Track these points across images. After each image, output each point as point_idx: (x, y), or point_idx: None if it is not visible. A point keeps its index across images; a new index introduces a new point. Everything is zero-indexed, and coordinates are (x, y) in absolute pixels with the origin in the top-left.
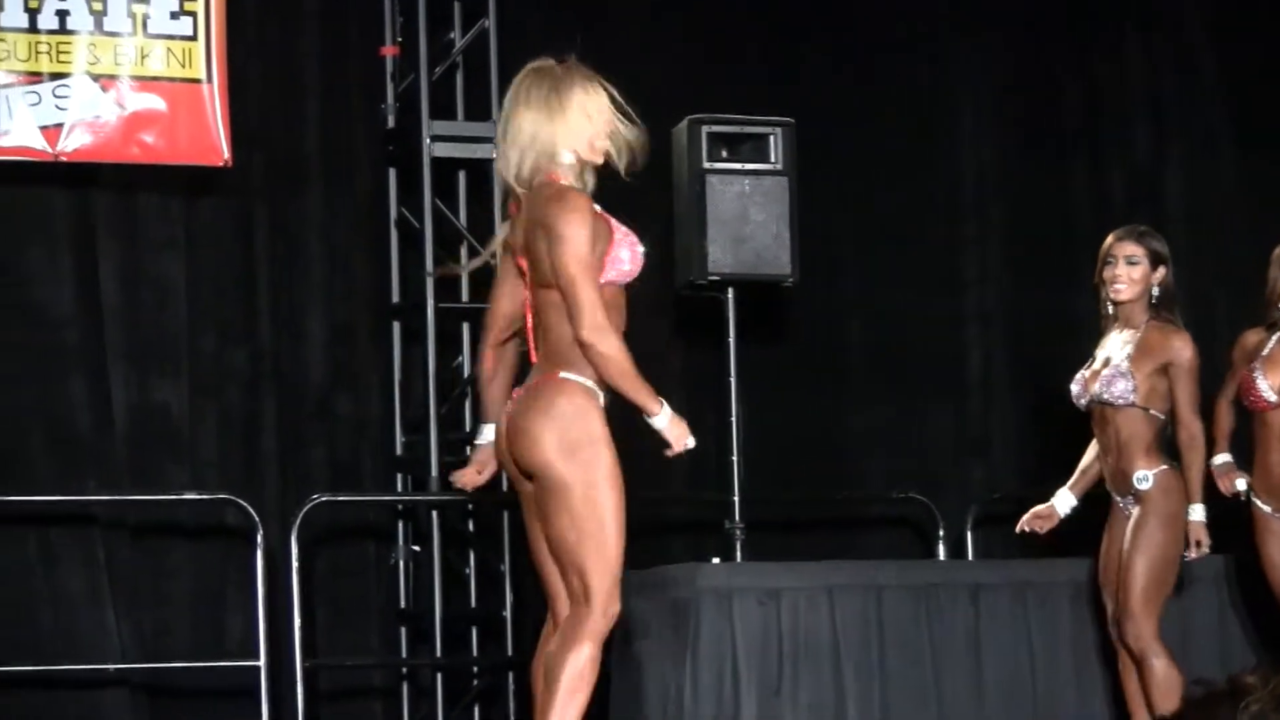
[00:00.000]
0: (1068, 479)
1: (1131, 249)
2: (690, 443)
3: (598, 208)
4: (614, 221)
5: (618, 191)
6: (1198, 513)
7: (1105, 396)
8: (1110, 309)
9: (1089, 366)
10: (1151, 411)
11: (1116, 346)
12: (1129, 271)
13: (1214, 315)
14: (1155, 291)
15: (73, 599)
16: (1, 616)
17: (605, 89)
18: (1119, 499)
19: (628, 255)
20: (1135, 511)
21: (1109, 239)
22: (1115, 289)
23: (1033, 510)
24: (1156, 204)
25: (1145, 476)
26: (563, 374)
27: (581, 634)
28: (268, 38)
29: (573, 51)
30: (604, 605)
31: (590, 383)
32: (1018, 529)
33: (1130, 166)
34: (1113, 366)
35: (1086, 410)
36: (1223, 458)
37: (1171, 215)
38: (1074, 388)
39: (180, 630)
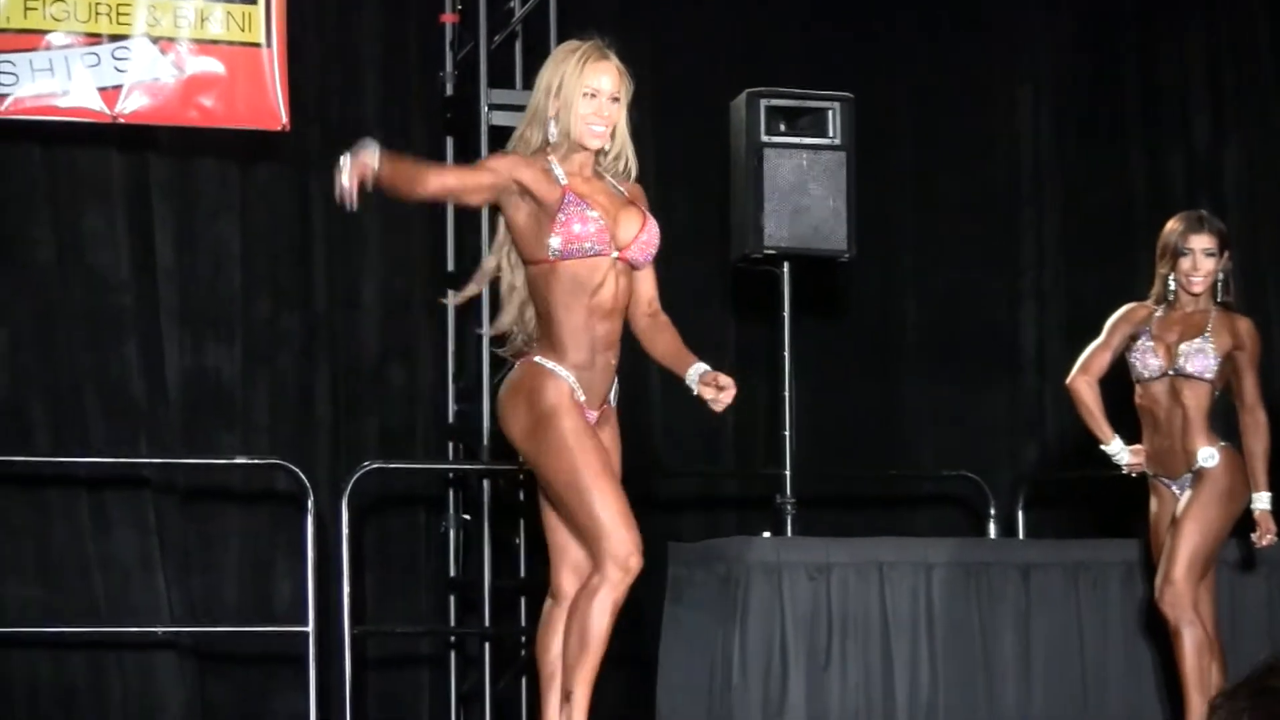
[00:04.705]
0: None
1: (1207, 241)
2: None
3: (562, 181)
4: (573, 197)
5: (676, 163)
6: (1264, 500)
7: (1189, 369)
8: (1173, 294)
9: (1145, 339)
10: (1216, 391)
11: (1186, 325)
12: (1206, 264)
13: (1267, 299)
14: (1220, 276)
15: (123, 562)
16: (53, 578)
17: (589, 68)
18: (1167, 481)
19: (578, 231)
20: (1189, 491)
21: (1177, 228)
22: (1193, 281)
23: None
24: (1214, 187)
25: (1211, 454)
26: (536, 358)
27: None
28: (327, 3)
29: (631, 22)
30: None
31: (554, 365)
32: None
33: (1189, 149)
34: (1193, 342)
35: (1144, 382)
36: None
37: (1229, 198)
38: (1149, 359)
39: (229, 595)
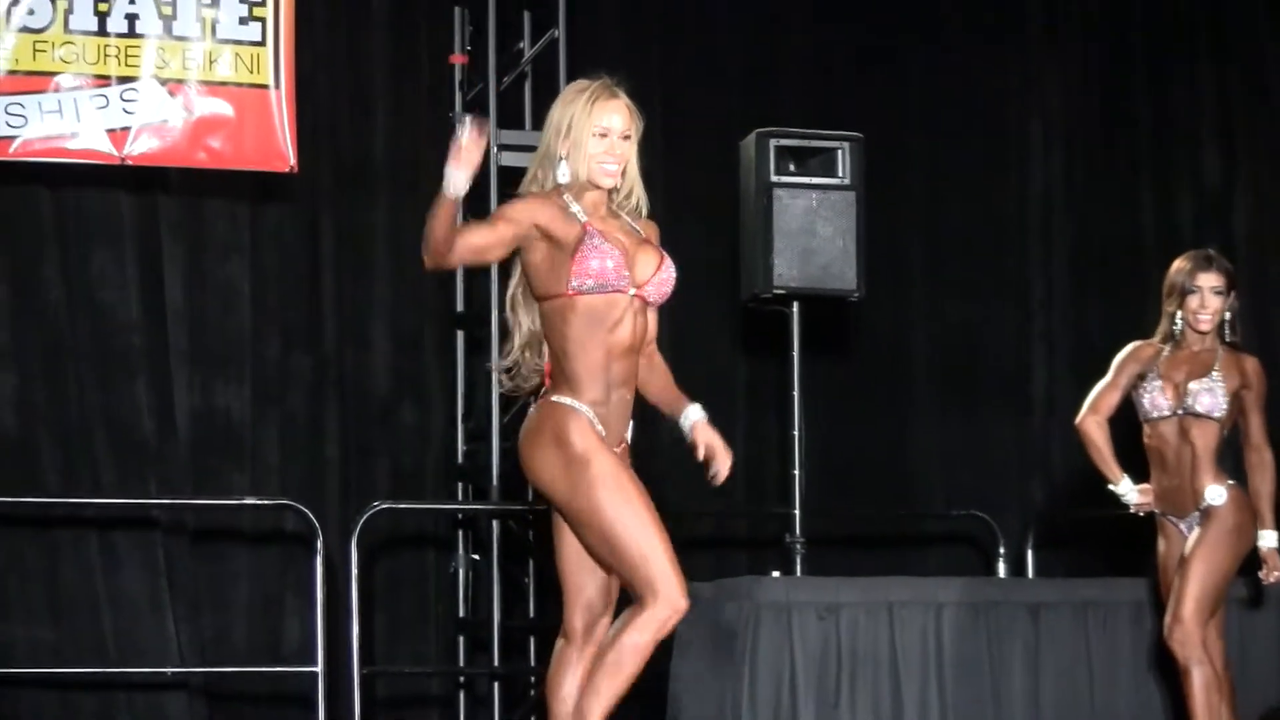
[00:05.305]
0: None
1: (1216, 279)
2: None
3: (581, 218)
4: (593, 233)
5: (685, 201)
6: (1270, 539)
7: (1198, 408)
8: (1180, 333)
9: (1154, 378)
10: (1225, 430)
11: (1194, 365)
12: (1214, 302)
13: (1275, 337)
14: (1227, 315)
15: (133, 602)
16: (63, 618)
17: (599, 107)
18: (1176, 520)
19: (597, 267)
20: (1198, 529)
21: (1185, 266)
22: (1201, 319)
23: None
24: (1223, 226)
25: (1220, 492)
26: (553, 397)
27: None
28: (336, 44)
29: (640, 63)
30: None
31: (571, 401)
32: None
33: (1198, 188)
34: (1202, 381)
35: (1152, 422)
36: None
37: (1238, 237)
38: (1158, 399)
39: (239, 635)
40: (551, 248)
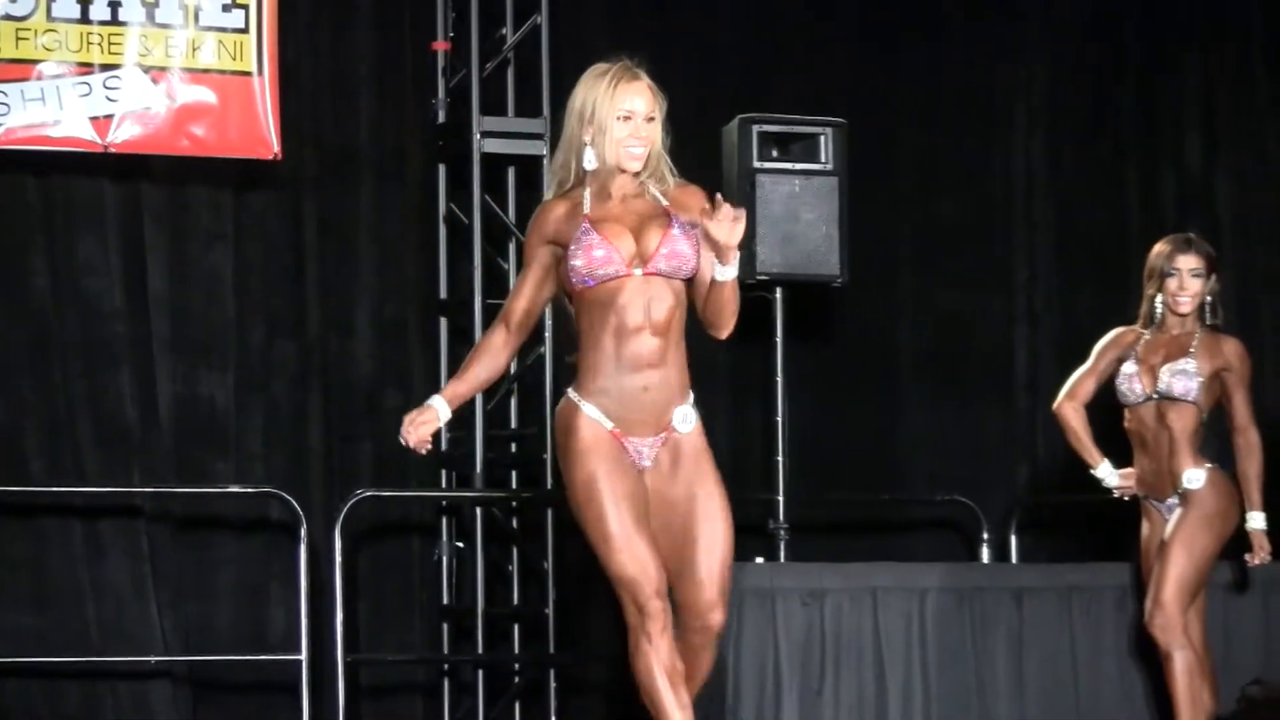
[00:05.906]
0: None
1: (1194, 261)
2: (405, 439)
3: (584, 209)
4: (585, 229)
5: None
6: (1258, 520)
7: (1174, 392)
8: (1160, 316)
9: (1131, 363)
10: (1202, 413)
11: (1171, 348)
12: (1193, 284)
13: (1260, 322)
14: (1208, 299)
15: (117, 590)
16: (47, 607)
17: (621, 90)
18: (1157, 503)
19: (597, 256)
20: (1178, 511)
21: (1164, 249)
22: (1180, 301)
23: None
24: (1207, 210)
25: (1197, 475)
26: (569, 390)
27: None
28: (319, 31)
29: (625, 49)
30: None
31: (575, 395)
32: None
33: (1182, 172)
34: (1176, 364)
35: (1131, 406)
36: None
37: (1221, 221)
38: (1134, 384)
39: (223, 623)
40: (563, 251)
